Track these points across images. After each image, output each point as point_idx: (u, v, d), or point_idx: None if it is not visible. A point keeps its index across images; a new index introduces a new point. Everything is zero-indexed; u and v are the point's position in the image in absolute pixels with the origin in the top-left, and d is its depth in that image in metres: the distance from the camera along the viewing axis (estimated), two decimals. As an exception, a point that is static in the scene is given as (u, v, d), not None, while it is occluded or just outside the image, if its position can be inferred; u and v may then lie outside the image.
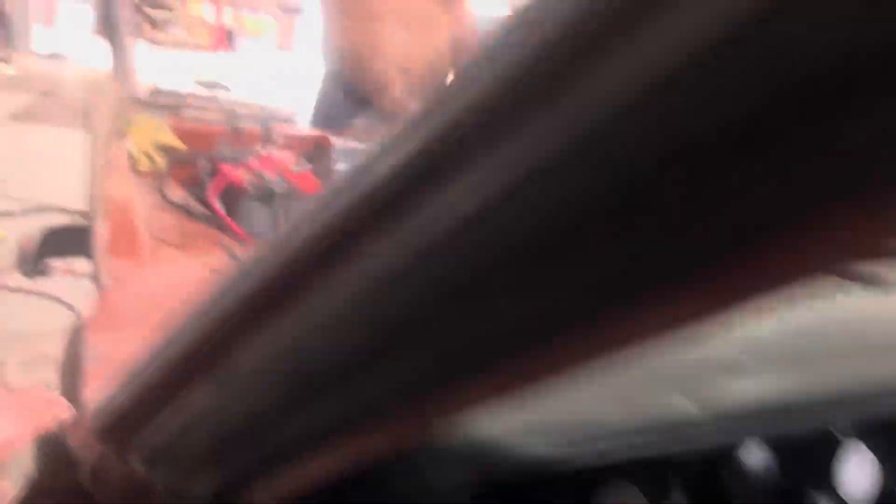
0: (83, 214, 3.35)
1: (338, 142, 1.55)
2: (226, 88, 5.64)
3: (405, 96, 1.97)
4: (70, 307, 2.56)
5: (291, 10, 5.53)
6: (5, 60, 6.06)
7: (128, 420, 0.31)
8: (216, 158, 1.34)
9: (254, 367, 0.24)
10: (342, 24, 1.87)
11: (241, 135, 1.47)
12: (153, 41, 5.51)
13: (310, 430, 0.23)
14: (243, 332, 0.23)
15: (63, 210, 3.38)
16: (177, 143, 1.45)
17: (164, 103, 6.15)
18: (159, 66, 5.76)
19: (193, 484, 0.28)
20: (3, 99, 5.05)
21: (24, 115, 4.80)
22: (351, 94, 1.93)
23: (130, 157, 1.37)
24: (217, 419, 0.26)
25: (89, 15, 7.95)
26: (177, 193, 1.31)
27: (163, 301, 0.61)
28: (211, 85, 5.72)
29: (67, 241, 1.57)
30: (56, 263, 1.64)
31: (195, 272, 0.65)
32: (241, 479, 0.27)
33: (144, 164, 1.37)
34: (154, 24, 6.03)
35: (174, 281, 0.63)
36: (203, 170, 1.33)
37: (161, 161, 1.40)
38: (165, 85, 6.19)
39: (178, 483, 0.29)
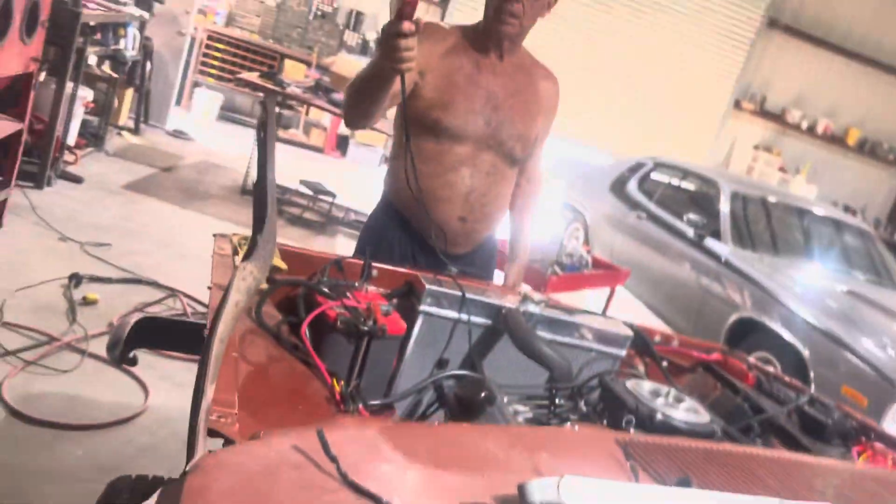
0: (173, 292, 3.49)
1: (429, 284, 1.59)
2: (331, 194, 5.91)
3: (462, 240, 1.99)
4: (145, 389, 2.64)
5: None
6: (133, 131, 6.58)
7: None
8: (314, 289, 1.40)
9: None
10: (417, 167, 1.89)
11: (342, 266, 1.53)
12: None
13: None
14: None
15: (156, 284, 3.56)
16: (281, 265, 1.51)
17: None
18: (277, 161, 6.12)
19: None
20: (124, 168, 5.44)
21: (139, 187, 5.13)
22: (406, 230, 1.99)
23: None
24: None
25: (218, 102, 8.62)
26: (271, 315, 1.36)
27: (256, 486, 0.63)
28: (316, 187, 6.00)
29: (159, 334, 1.63)
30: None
31: (287, 454, 0.66)
32: None
33: (247, 280, 1.44)
34: (276, 121, 6.47)
35: (268, 462, 0.65)
36: (300, 298, 1.38)
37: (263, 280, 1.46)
38: (277, 180, 6.47)
39: None
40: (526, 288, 2.08)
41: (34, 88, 3.48)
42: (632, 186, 5.94)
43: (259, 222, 1.04)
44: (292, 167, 6.94)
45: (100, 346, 2.85)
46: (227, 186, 5.93)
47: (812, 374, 3.71)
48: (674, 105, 9.66)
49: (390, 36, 1.44)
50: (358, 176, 7.96)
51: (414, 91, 1.84)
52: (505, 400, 1.35)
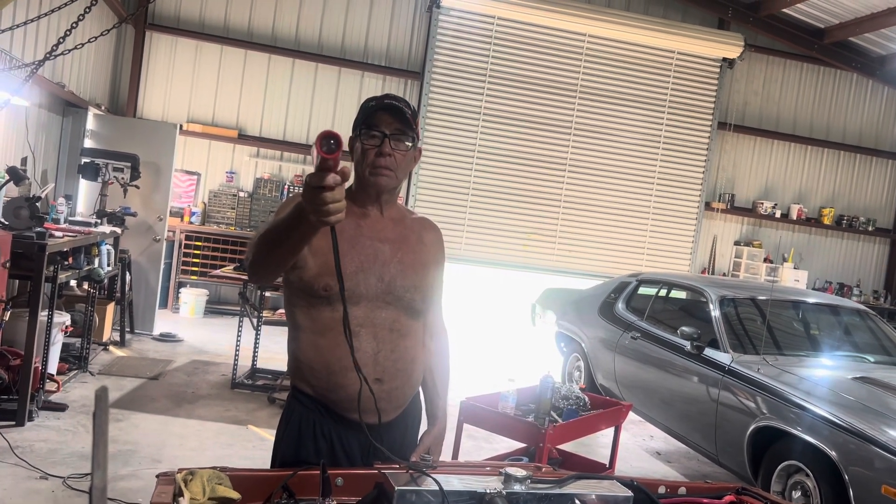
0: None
1: (399, 485, 1.47)
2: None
3: (386, 405, 1.84)
4: None
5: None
6: (118, 344, 6.56)
7: None
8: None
9: None
10: (314, 341, 1.84)
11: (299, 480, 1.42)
12: (250, 320, 5.92)
13: None
14: None
15: (142, 509, 3.37)
16: (233, 494, 1.40)
17: (262, 384, 6.38)
18: (266, 344, 6.07)
19: None
20: (110, 385, 5.34)
21: (126, 402, 5.02)
22: (322, 409, 1.86)
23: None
24: None
25: (204, 298, 8.68)
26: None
27: None
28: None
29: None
30: None
31: None
32: None
33: (198, 523, 1.32)
34: (254, 308, 6.45)
35: None
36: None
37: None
38: (264, 365, 6.39)
39: None
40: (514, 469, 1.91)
41: (1, 328, 3.45)
42: (620, 307, 5.88)
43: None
44: (282, 347, 6.89)
45: None
46: (217, 383, 5.82)
47: (847, 477, 3.48)
48: (649, 220, 9.83)
49: (315, 189, 1.30)
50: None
51: (298, 262, 1.75)
52: None
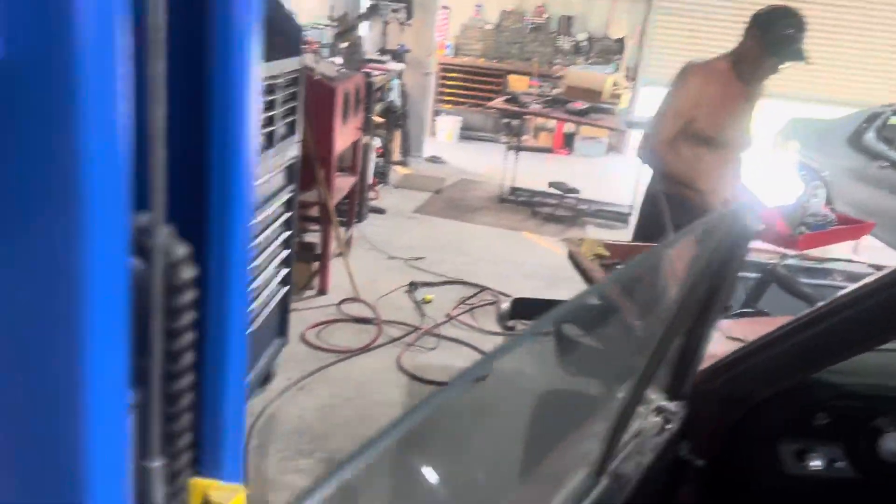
0: (482, 288, 4.44)
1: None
2: (575, 190, 6.69)
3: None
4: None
5: (631, 124, 6.50)
6: (404, 164, 7.89)
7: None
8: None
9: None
10: (696, 164, 2.71)
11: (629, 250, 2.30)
12: (510, 145, 6.86)
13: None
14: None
15: (466, 283, 4.59)
16: (605, 252, 2.32)
17: (522, 200, 7.52)
18: (518, 167, 7.06)
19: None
20: (407, 196, 6.67)
21: (424, 209, 6.31)
22: (686, 204, 2.74)
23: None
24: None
25: (458, 125, 9.81)
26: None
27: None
28: (562, 187, 6.79)
29: (526, 309, 2.47)
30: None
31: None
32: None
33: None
34: (510, 130, 7.37)
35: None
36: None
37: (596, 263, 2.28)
38: (523, 184, 7.39)
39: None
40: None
41: (362, 149, 4.66)
42: (870, 137, 6.02)
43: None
44: (536, 171, 7.85)
45: (447, 330, 3.91)
46: (486, 198, 6.95)
47: None
48: (911, 41, 9.16)
49: None
50: (588, 167, 8.66)
51: (694, 118, 2.75)
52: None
